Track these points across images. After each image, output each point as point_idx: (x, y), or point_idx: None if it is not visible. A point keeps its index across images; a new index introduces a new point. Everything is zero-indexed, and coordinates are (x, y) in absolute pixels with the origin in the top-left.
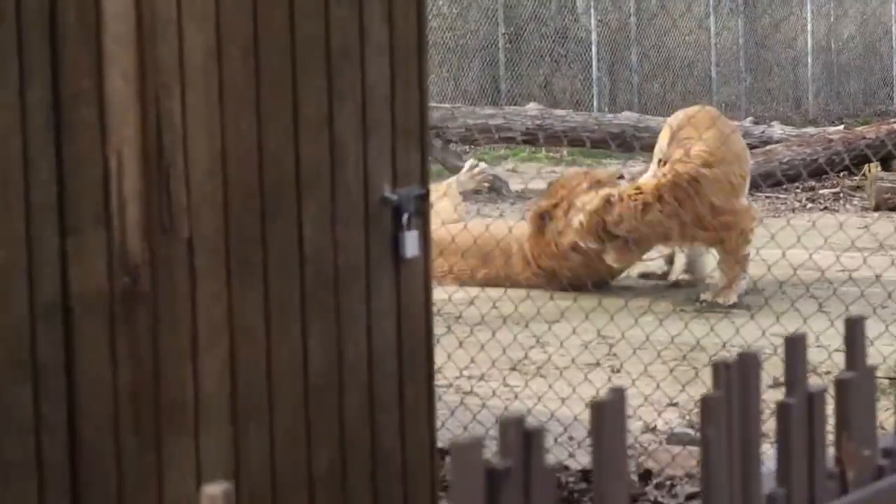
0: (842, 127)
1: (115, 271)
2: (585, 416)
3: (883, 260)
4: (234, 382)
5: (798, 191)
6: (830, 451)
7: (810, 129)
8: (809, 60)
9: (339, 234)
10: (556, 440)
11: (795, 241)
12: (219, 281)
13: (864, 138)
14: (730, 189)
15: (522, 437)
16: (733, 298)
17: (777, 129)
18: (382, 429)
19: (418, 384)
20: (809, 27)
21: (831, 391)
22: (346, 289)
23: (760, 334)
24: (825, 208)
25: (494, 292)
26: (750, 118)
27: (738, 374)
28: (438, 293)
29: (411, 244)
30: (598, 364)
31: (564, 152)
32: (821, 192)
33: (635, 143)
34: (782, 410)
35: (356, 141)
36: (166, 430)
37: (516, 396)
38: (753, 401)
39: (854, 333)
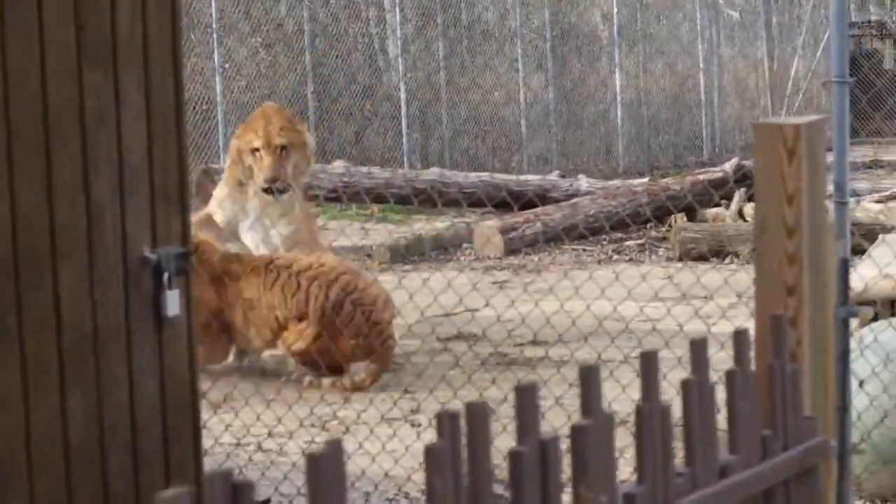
0: (646, 179)
1: None
2: (397, 472)
3: (686, 309)
4: None
5: (605, 242)
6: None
7: (616, 182)
8: (619, 113)
9: (97, 295)
10: (366, 499)
11: (599, 294)
12: None
13: (669, 190)
14: None
15: (231, 492)
16: None
17: (584, 182)
18: (147, 488)
19: (184, 443)
20: (618, 80)
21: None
22: (106, 350)
23: (567, 387)
24: (630, 259)
25: None
26: (557, 171)
27: (467, 424)
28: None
29: (172, 303)
30: (405, 419)
31: (375, 208)
32: (626, 243)
33: (438, 200)
34: (514, 458)
35: (113, 203)
36: None
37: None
38: (481, 449)
39: (589, 381)
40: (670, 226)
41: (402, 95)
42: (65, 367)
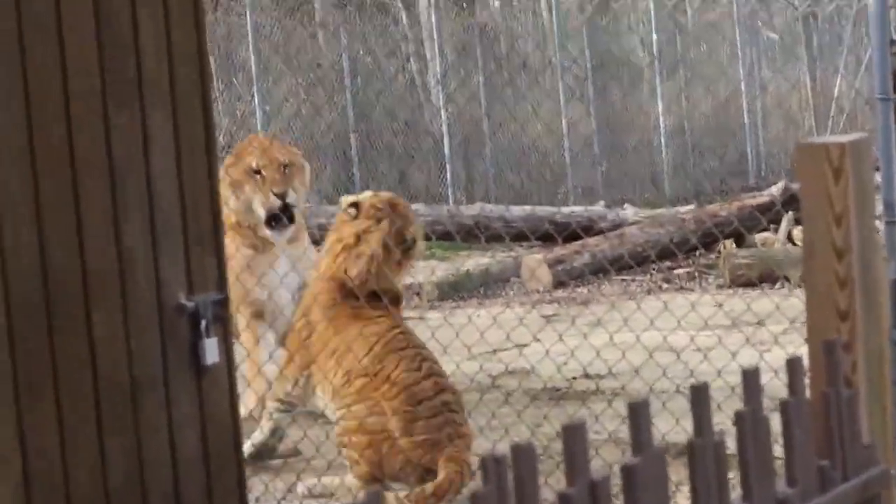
0: (693, 206)
1: None
2: None
3: (738, 337)
4: (28, 502)
5: (654, 271)
6: None
7: (662, 210)
8: (661, 140)
9: (133, 344)
10: None
11: (649, 325)
12: (6, 398)
13: (716, 216)
14: None
15: None
16: None
17: (629, 212)
18: None
19: (227, 492)
20: (659, 107)
21: None
22: (144, 400)
23: (620, 421)
24: (680, 288)
25: None
26: (602, 202)
27: (514, 467)
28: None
29: (211, 351)
30: None
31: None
32: (675, 272)
33: (482, 235)
34: (563, 501)
35: (146, 251)
36: None
37: None
38: (530, 494)
39: (639, 416)
40: (719, 252)
41: (444, 129)
42: (102, 418)
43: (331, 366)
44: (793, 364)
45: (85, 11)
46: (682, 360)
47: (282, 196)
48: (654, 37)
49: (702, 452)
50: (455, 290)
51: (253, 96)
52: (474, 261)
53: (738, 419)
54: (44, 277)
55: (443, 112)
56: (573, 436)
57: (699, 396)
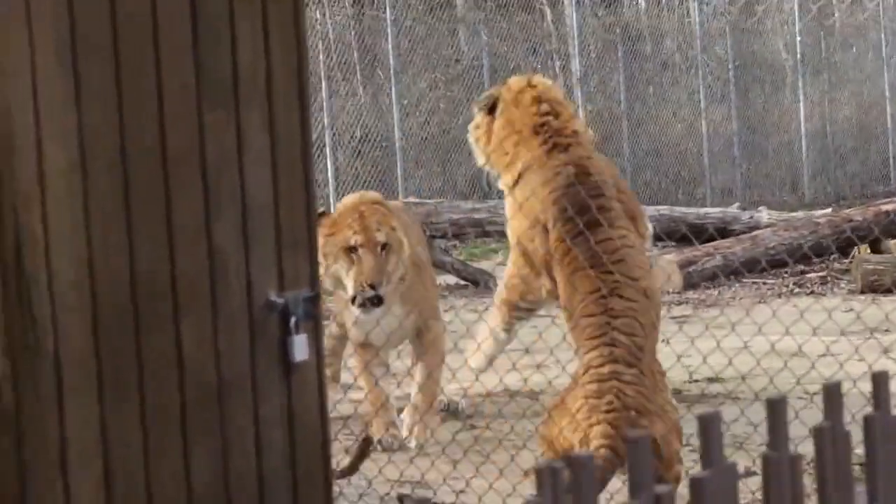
0: (829, 210)
1: None
2: None
3: (871, 344)
4: (109, 500)
5: (786, 275)
6: None
7: (798, 214)
8: (803, 144)
9: (221, 343)
10: None
11: (784, 332)
12: (90, 397)
13: (851, 221)
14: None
15: None
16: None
17: (765, 215)
18: None
19: (315, 494)
20: (802, 110)
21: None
22: (231, 399)
23: (752, 429)
24: (812, 293)
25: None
26: (737, 204)
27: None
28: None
29: (300, 348)
30: None
31: None
32: (808, 276)
33: None
34: None
35: (237, 250)
36: None
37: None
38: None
39: (710, 431)
40: (853, 258)
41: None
42: (187, 418)
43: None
44: (878, 378)
45: (180, 4)
46: (815, 368)
47: (374, 287)
48: (798, 39)
49: (776, 466)
50: None
51: (391, 91)
52: None
53: (817, 434)
54: (132, 277)
55: (581, 110)
56: (636, 450)
57: (776, 409)
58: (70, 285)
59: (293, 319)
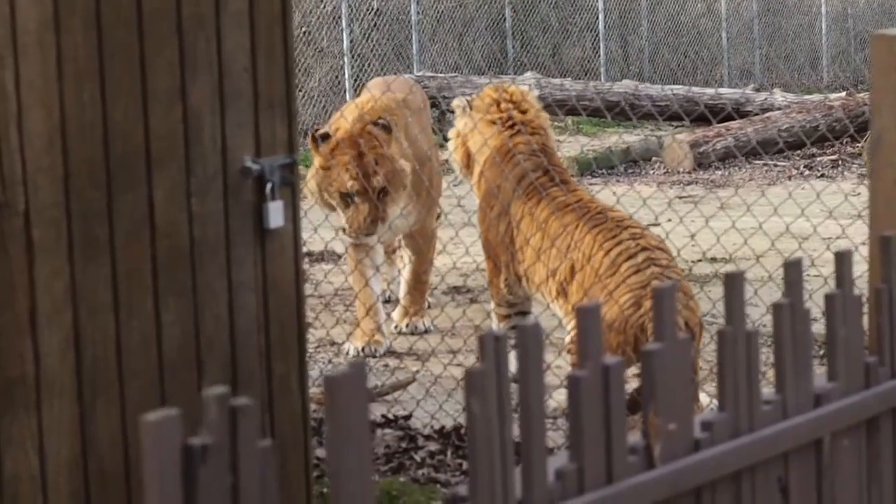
0: (844, 93)
1: None
2: None
3: (863, 228)
4: (78, 358)
5: (797, 157)
6: None
7: (812, 97)
8: (823, 26)
9: (194, 206)
10: None
11: (772, 212)
12: (59, 255)
13: (866, 105)
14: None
15: (229, 414)
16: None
17: (779, 96)
18: None
19: (289, 359)
20: None
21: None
22: (204, 262)
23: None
24: (822, 175)
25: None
26: (752, 85)
27: (518, 346)
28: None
29: (275, 214)
30: None
31: (569, 121)
32: (819, 159)
33: (631, 113)
34: (572, 384)
35: (212, 113)
36: (5, 407)
37: None
38: (533, 373)
39: (662, 304)
40: (865, 141)
41: (600, 5)
42: (158, 278)
43: (540, 264)
44: (840, 257)
45: None
46: (804, 250)
47: (368, 235)
48: None
49: (732, 341)
50: (597, 167)
51: None
52: (621, 139)
53: (776, 310)
54: (105, 136)
55: None
56: (586, 317)
57: (733, 284)
58: (41, 142)
59: (269, 185)
